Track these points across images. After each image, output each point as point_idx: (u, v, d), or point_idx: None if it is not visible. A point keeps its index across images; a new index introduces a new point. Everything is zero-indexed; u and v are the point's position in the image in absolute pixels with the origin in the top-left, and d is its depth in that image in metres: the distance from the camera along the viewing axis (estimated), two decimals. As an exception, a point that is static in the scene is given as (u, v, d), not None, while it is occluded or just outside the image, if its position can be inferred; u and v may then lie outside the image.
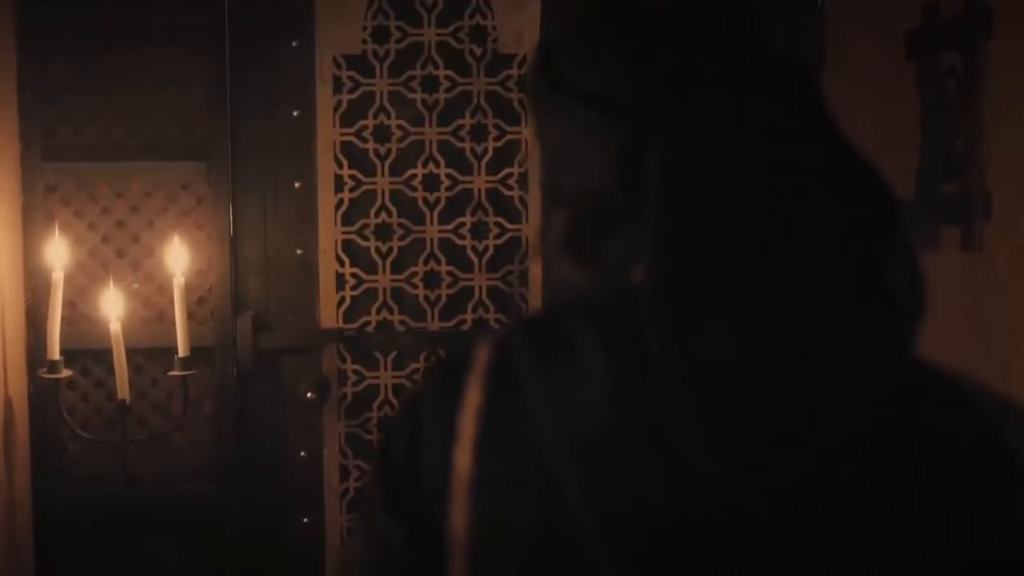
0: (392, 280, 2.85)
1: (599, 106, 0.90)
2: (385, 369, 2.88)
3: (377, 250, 2.84)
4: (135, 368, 2.87)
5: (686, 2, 0.92)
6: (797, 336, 0.84)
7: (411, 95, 2.83)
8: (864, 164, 0.90)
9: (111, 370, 2.66)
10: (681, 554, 0.85)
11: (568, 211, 0.93)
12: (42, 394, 2.78)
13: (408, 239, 2.85)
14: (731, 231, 0.85)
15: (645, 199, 0.86)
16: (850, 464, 0.86)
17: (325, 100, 2.81)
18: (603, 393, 0.86)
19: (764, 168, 0.87)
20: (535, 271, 2.87)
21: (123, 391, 2.68)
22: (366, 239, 2.84)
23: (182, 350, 2.69)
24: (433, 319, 2.87)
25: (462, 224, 2.86)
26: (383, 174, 2.83)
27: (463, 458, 0.90)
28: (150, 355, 2.87)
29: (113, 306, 2.70)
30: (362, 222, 2.83)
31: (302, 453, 2.88)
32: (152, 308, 2.90)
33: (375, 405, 2.90)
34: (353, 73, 2.83)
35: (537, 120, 0.98)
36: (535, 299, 2.86)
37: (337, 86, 2.82)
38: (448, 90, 2.84)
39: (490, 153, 2.85)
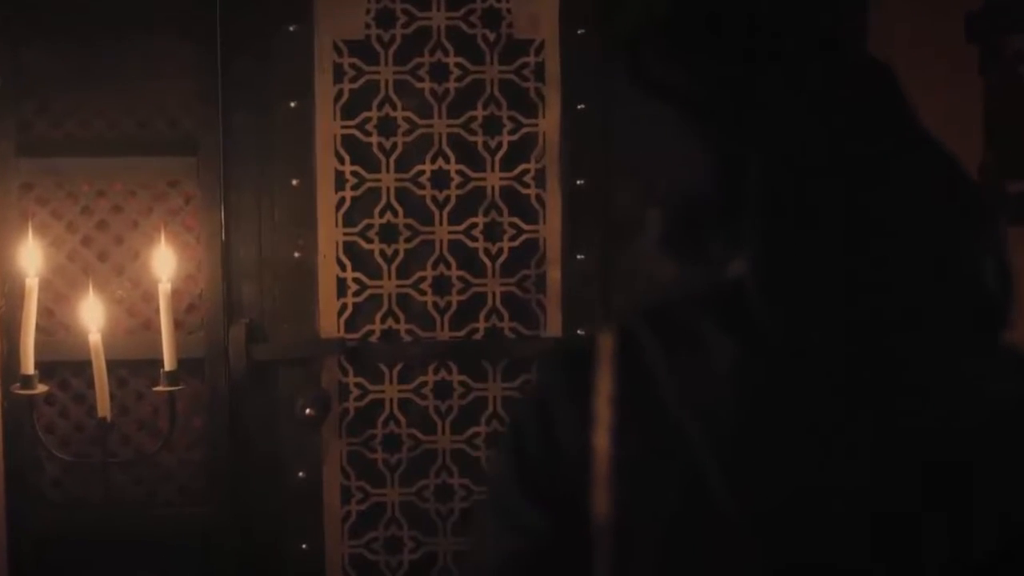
0: (398, 286, 2.69)
1: (695, 108, 0.94)
2: (390, 382, 2.71)
3: (382, 253, 2.68)
4: (118, 381, 2.69)
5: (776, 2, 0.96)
6: (904, 325, 0.90)
7: (419, 84, 2.66)
8: (948, 155, 0.96)
9: (92, 383, 2.49)
10: (829, 531, 0.89)
11: (663, 210, 0.97)
12: (17, 410, 2.61)
13: (415, 241, 2.68)
14: (832, 227, 0.90)
15: (747, 197, 0.90)
16: (964, 448, 0.92)
17: (325, 90, 2.65)
18: (733, 376, 0.90)
19: (861, 165, 0.92)
20: (553, 275, 2.71)
21: (104, 408, 2.48)
22: (370, 241, 2.67)
23: (168, 363, 2.49)
24: (442, 328, 2.70)
25: (474, 225, 2.69)
26: (388, 170, 2.66)
27: (602, 440, 0.93)
28: (135, 367, 2.70)
29: (93, 315, 2.50)
30: (365, 223, 2.67)
31: (300, 473, 2.71)
32: (137, 316, 2.72)
33: (379, 421, 2.72)
34: (355, 60, 2.66)
35: (625, 120, 1.00)
36: (553, 305, 2.70)
37: (338, 75, 2.65)
38: (459, 79, 2.67)
39: (505, 147, 2.68)
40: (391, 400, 2.71)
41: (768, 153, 0.91)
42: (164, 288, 2.50)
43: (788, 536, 0.90)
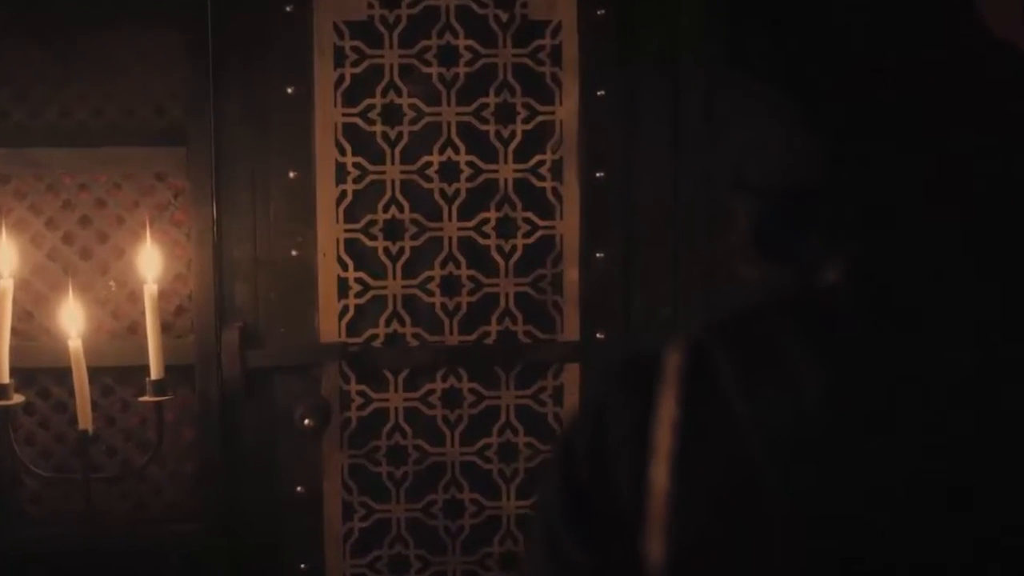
0: (404, 286, 2.55)
1: (799, 92, 0.86)
2: (396, 390, 2.57)
3: (386, 251, 2.54)
4: (103, 390, 2.55)
5: None
6: (1011, 357, 0.82)
7: (426, 69, 2.51)
8: None
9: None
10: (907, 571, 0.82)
11: (752, 206, 0.88)
12: (-8, 421, 2.46)
13: (422, 238, 2.54)
14: (942, 235, 0.84)
15: (852, 193, 0.84)
16: None
17: (325, 75, 2.50)
18: (818, 402, 0.82)
19: (979, 172, 0.85)
20: (570, 275, 2.57)
21: (85, 420, 2.32)
22: (373, 238, 2.53)
23: (155, 371, 2.34)
24: (452, 331, 2.56)
25: (486, 220, 2.55)
26: (393, 162, 2.52)
27: (660, 475, 0.86)
28: (121, 374, 2.55)
29: (73, 319, 2.33)
30: (368, 218, 2.53)
31: (298, 488, 2.57)
32: (122, 319, 2.56)
33: (384, 432, 2.58)
34: (358, 43, 2.50)
35: (713, 104, 0.92)
36: (570, 307, 2.56)
37: (339, 58, 2.50)
38: (469, 63, 2.52)
39: (519, 137, 2.53)
40: (396, 409, 2.58)
41: (883, 144, 0.83)
42: (150, 290, 2.34)
43: None
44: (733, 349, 0.87)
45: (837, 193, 0.85)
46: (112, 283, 2.54)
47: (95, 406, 2.48)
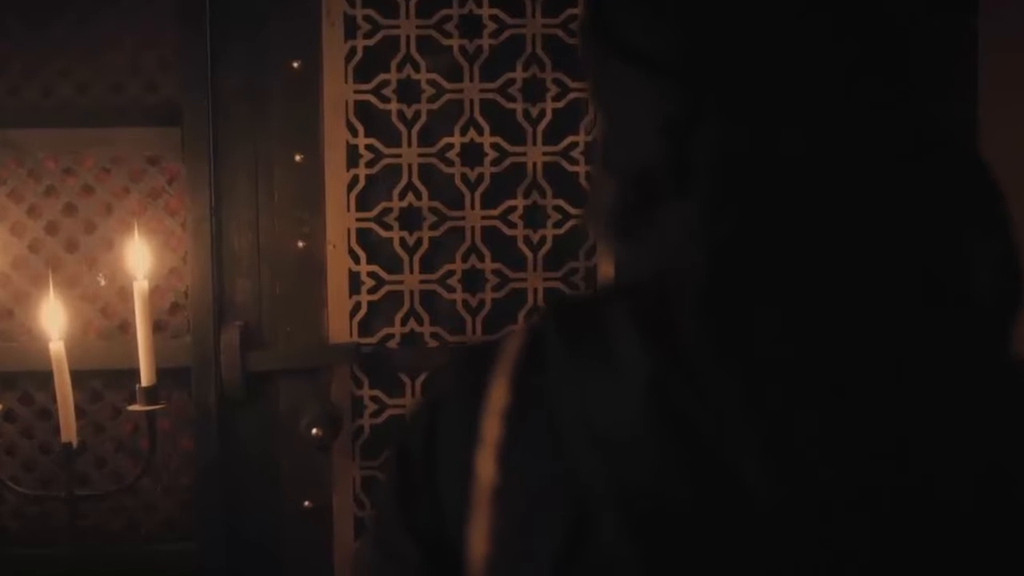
0: (422, 281, 2.40)
1: (649, 68, 0.86)
2: (412, 395, 2.41)
3: (402, 242, 2.38)
4: (91, 395, 2.38)
5: None
6: (862, 339, 0.82)
7: (446, 41, 2.36)
8: (963, 152, 0.87)
9: (60, 398, 2.18)
10: (722, 571, 0.81)
11: (617, 185, 0.88)
12: (-32, 430, 2.32)
13: (442, 228, 2.39)
14: (791, 221, 0.83)
15: (695, 178, 0.83)
16: (918, 484, 0.81)
17: (335, 47, 2.34)
18: (639, 392, 0.81)
19: (840, 155, 0.84)
20: (605, 269, 2.40)
21: (68, 432, 2.13)
22: (388, 228, 2.38)
23: (146, 378, 2.14)
24: (475, 331, 2.41)
25: (512, 208, 2.39)
26: (410, 144, 2.37)
27: (486, 466, 0.86)
28: (111, 378, 2.37)
29: (54, 319, 2.14)
30: (383, 206, 2.37)
31: (306, 503, 2.41)
32: (112, 317, 2.38)
33: None
34: (371, 12, 2.35)
35: (591, 82, 0.93)
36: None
37: (350, 29, 2.34)
38: (494, 34, 2.37)
39: (548, 116, 2.38)
40: None
41: (729, 130, 0.82)
42: (140, 287, 2.14)
43: None
44: (567, 335, 0.86)
45: (680, 182, 0.83)
46: (102, 277, 2.37)
47: (82, 413, 2.33)
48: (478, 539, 0.86)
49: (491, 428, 0.87)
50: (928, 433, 0.82)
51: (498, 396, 0.87)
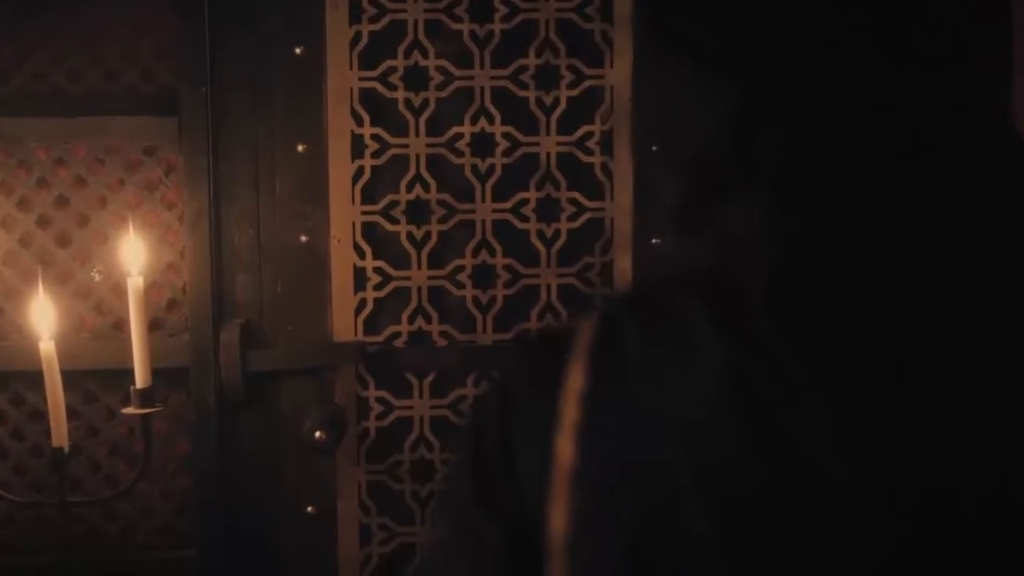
0: (430, 277, 2.33)
1: (711, 65, 0.88)
2: (420, 396, 2.35)
3: (410, 236, 2.32)
4: (85, 396, 2.31)
5: None
6: (922, 331, 0.85)
7: (456, 25, 2.30)
8: (1010, 146, 0.88)
9: (53, 399, 2.11)
10: (798, 556, 0.84)
11: (678, 177, 0.91)
12: (-44, 433, 2.27)
13: (451, 222, 2.33)
14: (855, 214, 0.85)
15: (762, 174, 0.85)
16: (992, 485, 0.83)
17: (339, 32, 2.27)
18: (716, 378, 0.85)
19: (900, 153, 0.86)
20: (622, 264, 2.34)
21: (59, 436, 2.05)
22: (395, 222, 2.31)
23: (141, 379, 2.07)
24: (485, 329, 2.35)
25: (524, 201, 2.33)
26: (418, 133, 2.30)
27: (565, 447, 0.88)
28: (105, 379, 2.30)
29: (44, 318, 2.06)
30: (389, 198, 2.31)
31: (309, 509, 2.35)
32: (107, 315, 2.31)
33: (407, 445, 2.35)
34: None
35: (647, 73, 1.08)
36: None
37: (355, 13, 2.28)
38: (506, 19, 2.30)
39: (563, 105, 2.31)
40: (421, 419, 2.36)
41: (795, 115, 0.85)
42: (134, 284, 2.06)
43: (760, 566, 0.85)
44: (642, 322, 0.90)
45: (750, 171, 0.85)
46: (96, 273, 2.31)
47: (76, 415, 2.26)
48: (557, 519, 0.89)
49: (569, 411, 0.89)
50: (990, 427, 0.85)
51: (575, 380, 0.90)
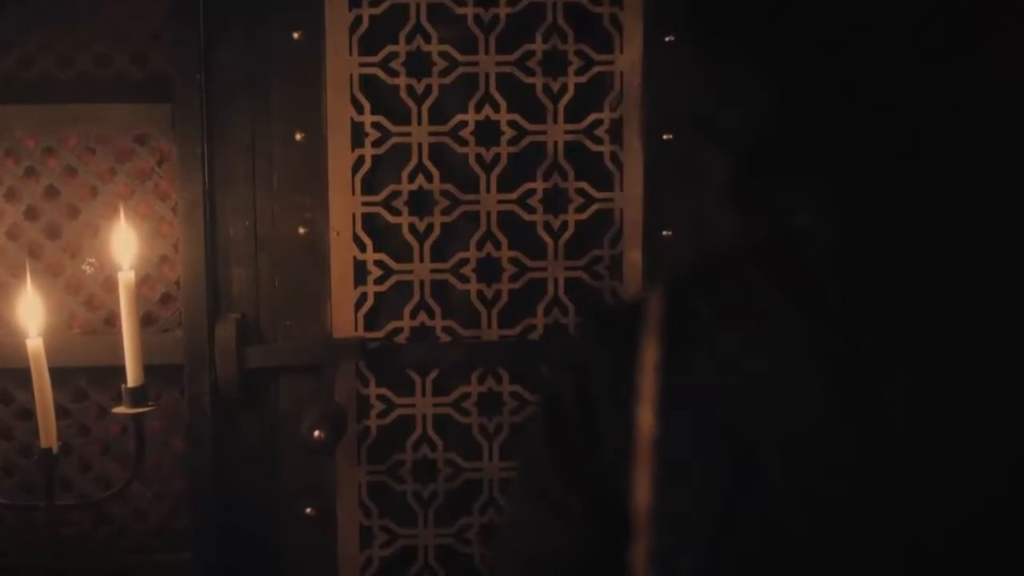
0: (433, 271, 2.26)
1: (757, 41, 0.90)
2: (423, 394, 2.27)
3: (412, 229, 2.24)
4: (75, 394, 2.24)
5: None
6: (991, 309, 0.87)
7: (459, 9, 2.21)
8: None
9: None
10: (880, 518, 0.86)
11: (724, 157, 0.92)
12: (-59, 432, 2.19)
13: (455, 213, 2.24)
14: (912, 189, 0.88)
15: (824, 152, 0.88)
16: None
17: (338, 16, 2.19)
18: (794, 345, 0.88)
19: (954, 131, 0.88)
20: (632, 257, 2.26)
21: (48, 436, 1.95)
22: (396, 213, 2.23)
23: (132, 378, 1.98)
24: (490, 324, 2.27)
25: (531, 192, 2.25)
26: (420, 121, 2.22)
27: (646, 417, 0.91)
28: (97, 376, 2.23)
29: (32, 314, 1.97)
30: (391, 189, 2.23)
31: (307, 510, 2.28)
32: (98, 310, 2.24)
33: (409, 444, 2.28)
34: None
35: (689, 49, 0.99)
36: (631, 294, 2.27)
37: None
38: (512, 2, 2.21)
39: (570, 92, 2.23)
40: (424, 417, 2.28)
41: (850, 96, 0.87)
42: (125, 278, 1.97)
43: (842, 528, 0.86)
44: (710, 294, 0.93)
45: (805, 143, 0.88)
46: (88, 264, 2.23)
47: (66, 413, 2.20)
48: (642, 488, 0.90)
49: (647, 383, 0.91)
50: None
51: (650, 352, 0.92)
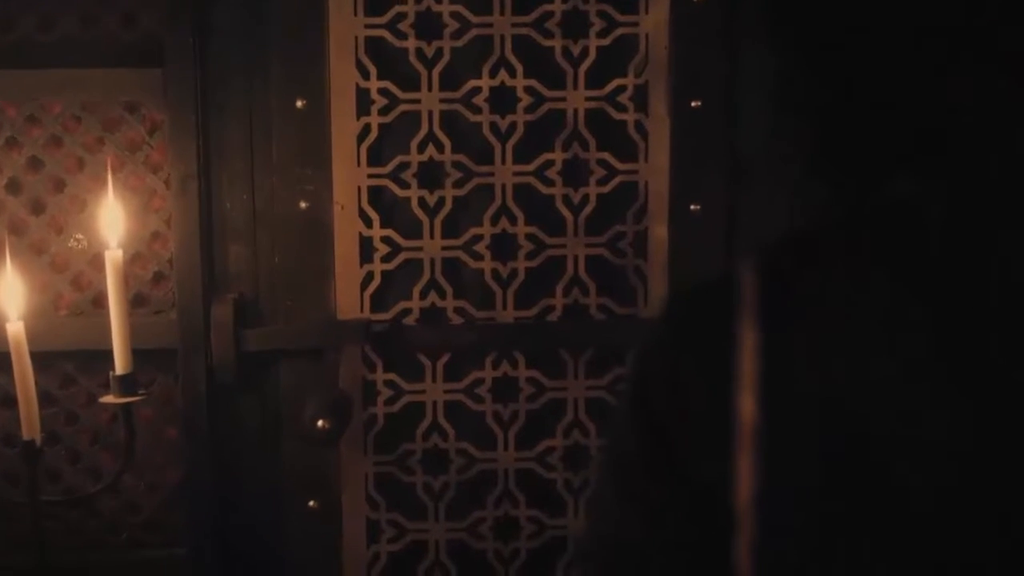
0: (444, 248, 2.17)
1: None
2: (433, 380, 2.18)
3: (422, 203, 2.15)
4: (62, 380, 2.15)
5: None
6: None
7: None
8: None
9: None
10: (1007, 506, 0.83)
11: (810, 124, 0.90)
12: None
13: (468, 186, 2.15)
14: (1006, 154, 0.84)
15: (911, 113, 0.85)
16: None
17: None
18: (902, 325, 0.85)
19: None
20: (657, 233, 2.16)
21: (31, 428, 1.86)
22: (405, 186, 2.14)
23: (121, 365, 1.90)
24: (505, 305, 2.18)
25: (549, 163, 2.15)
26: (430, 87, 2.12)
27: (747, 403, 0.88)
28: (85, 360, 2.14)
29: (12, 295, 1.87)
30: (399, 160, 2.14)
31: (311, 503, 2.20)
32: (85, 290, 2.14)
33: (419, 433, 2.19)
34: None
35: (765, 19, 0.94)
36: (656, 274, 2.18)
37: None
38: None
39: (592, 55, 2.13)
40: (435, 404, 2.19)
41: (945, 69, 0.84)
42: (113, 257, 1.88)
43: (958, 509, 0.83)
44: (809, 268, 0.90)
45: (896, 109, 0.85)
46: (78, 239, 2.14)
47: (53, 400, 2.11)
48: (746, 477, 0.88)
49: (747, 365, 0.88)
50: None
51: (748, 332, 0.89)
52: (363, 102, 2.11)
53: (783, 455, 0.88)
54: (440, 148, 2.12)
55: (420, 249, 2.14)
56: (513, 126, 2.12)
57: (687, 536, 0.91)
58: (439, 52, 2.10)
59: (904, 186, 0.88)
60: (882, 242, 0.88)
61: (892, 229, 0.88)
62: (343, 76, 2.09)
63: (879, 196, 0.89)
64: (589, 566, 1.00)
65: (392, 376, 2.17)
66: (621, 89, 2.12)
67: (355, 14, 2.07)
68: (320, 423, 2.07)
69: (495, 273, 2.15)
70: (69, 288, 2.11)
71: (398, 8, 2.08)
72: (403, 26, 2.08)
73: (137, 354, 1.91)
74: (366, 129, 2.10)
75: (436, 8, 2.08)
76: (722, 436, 0.89)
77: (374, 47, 2.10)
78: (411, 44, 2.09)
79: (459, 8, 2.08)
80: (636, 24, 2.10)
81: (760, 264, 0.92)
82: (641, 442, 0.93)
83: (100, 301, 2.09)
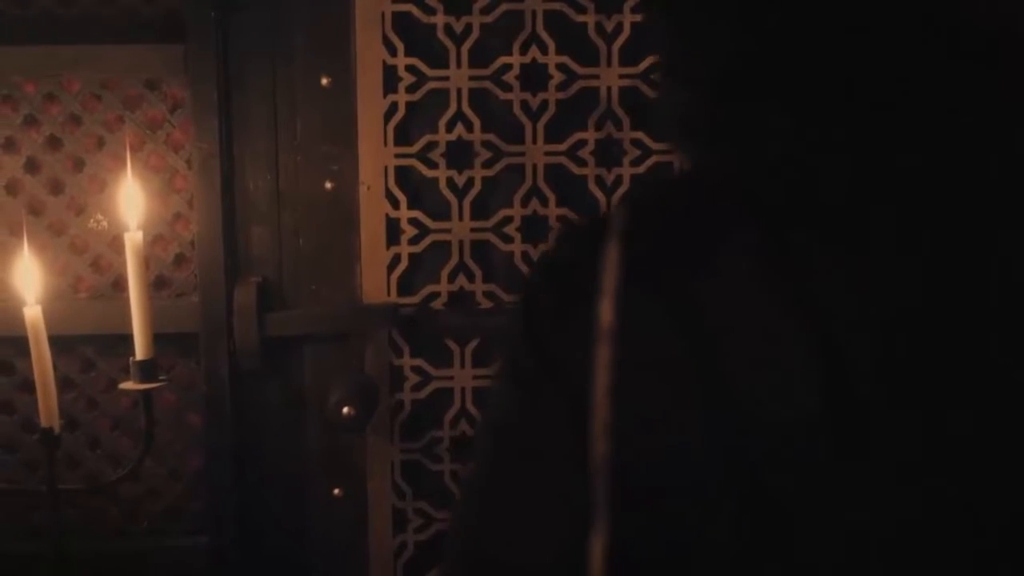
0: (473, 229, 2.14)
1: None
2: (462, 366, 2.15)
3: (450, 183, 2.12)
4: (82, 364, 2.12)
5: None
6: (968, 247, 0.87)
7: None
8: None
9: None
10: (841, 457, 0.85)
11: (683, 94, 0.95)
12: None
13: (498, 166, 2.12)
14: (895, 120, 0.86)
15: (794, 83, 0.88)
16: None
17: None
18: (752, 265, 0.89)
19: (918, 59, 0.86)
20: None
21: (49, 415, 1.82)
22: (433, 166, 2.11)
23: (141, 349, 1.84)
24: None
25: (582, 143, 2.12)
26: (460, 64, 2.10)
27: (606, 310, 0.92)
28: (106, 345, 2.10)
29: (30, 278, 1.84)
30: (427, 139, 2.10)
31: (335, 491, 2.17)
32: (105, 273, 2.10)
33: (447, 419, 2.16)
34: None
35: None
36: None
37: None
38: None
39: (626, 32, 2.09)
40: (463, 390, 2.16)
41: (823, 26, 0.86)
42: (132, 239, 1.83)
43: (762, 468, 0.85)
44: (674, 207, 0.95)
45: (778, 80, 0.88)
46: (97, 220, 2.11)
47: (72, 385, 2.08)
48: (600, 375, 0.92)
49: (608, 279, 0.92)
50: None
51: (612, 254, 0.92)
52: (390, 79, 2.08)
53: (636, 357, 0.92)
54: (469, 127, 2.09)
55: (448, 231, 2.11)
56: (544, 104, 2.09)
57: (564, 420, 0.94)
58: (468, 28, 2.07)
59: (769, 159, 0.90)
60: (760, 196, 0.90)
61: (775, 187, 0.90)
62: (369, 52, 2.06)
63: (742, 165, 0.92)
64: (479, 437, 1.08)
65: (419, 362, 2.14)
66: (656, 66, 2.07)
67: (382, -12, 2.03)
68: (346, 410, 2.03)
69: (525, 256, 2.12)
70: (88, 271, 2.07)
71: (426, -18, 2.04)
72: (431, 1, 2.05)
73: (158, 338, 1.87)
74: (393, 107, 2.07)
75: (465, -18, 2.05)
76: (588, 339, 0.93)
77: (401, 23, 2.06)
78: (439, 20, 2.05)
79: (489, -18, 2.05)
80: (670, -1, 2.05)
81: (627, 203, 0.97)
82: (529, 347, 0.97)
83: (120, 284, 2.06)
